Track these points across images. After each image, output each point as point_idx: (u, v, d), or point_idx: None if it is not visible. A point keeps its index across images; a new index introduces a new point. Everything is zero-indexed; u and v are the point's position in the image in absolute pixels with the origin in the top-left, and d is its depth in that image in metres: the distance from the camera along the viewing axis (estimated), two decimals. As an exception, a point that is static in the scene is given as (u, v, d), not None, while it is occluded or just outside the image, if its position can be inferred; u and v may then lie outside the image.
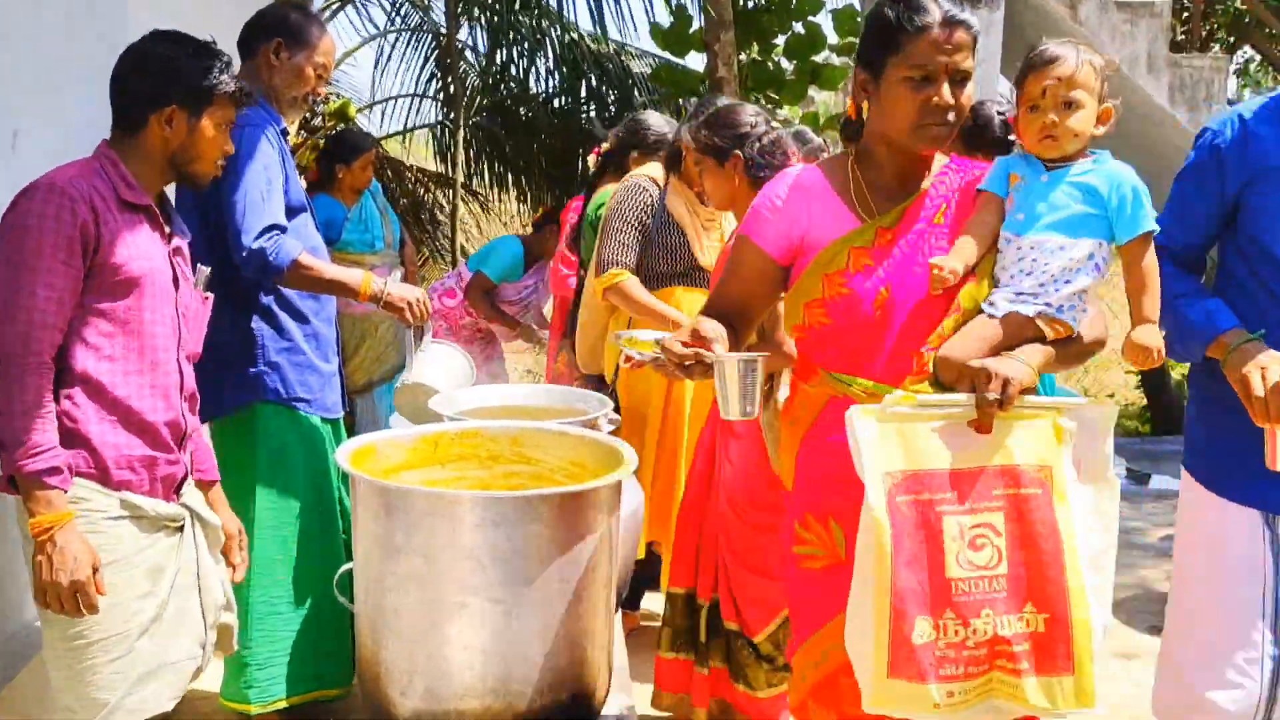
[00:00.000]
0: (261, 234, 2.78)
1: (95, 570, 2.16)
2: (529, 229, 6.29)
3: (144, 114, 2.33)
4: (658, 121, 4.55)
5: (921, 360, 2.13)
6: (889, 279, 2.14)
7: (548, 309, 5.66)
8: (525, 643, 2.11)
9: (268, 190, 2.84)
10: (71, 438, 2.21)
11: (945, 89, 2.08)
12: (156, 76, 2.33)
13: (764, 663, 3.15)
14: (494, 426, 2.59)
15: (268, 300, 2.96)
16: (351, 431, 4.94)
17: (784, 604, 3.12)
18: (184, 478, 2.44)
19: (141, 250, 2.29)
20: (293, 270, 2.82)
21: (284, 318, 2.98)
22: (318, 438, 3.04)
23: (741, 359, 2.03)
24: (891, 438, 2.00)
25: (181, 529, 2.37)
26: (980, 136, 3.99)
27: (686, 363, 2.05)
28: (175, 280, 2.39)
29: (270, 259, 2.78)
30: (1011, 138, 3.38)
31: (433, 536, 2.09)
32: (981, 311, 2.14)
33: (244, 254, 2.77)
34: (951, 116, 2.11)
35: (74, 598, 2.14)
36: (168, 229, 2.40)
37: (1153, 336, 2.13)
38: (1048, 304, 2.12)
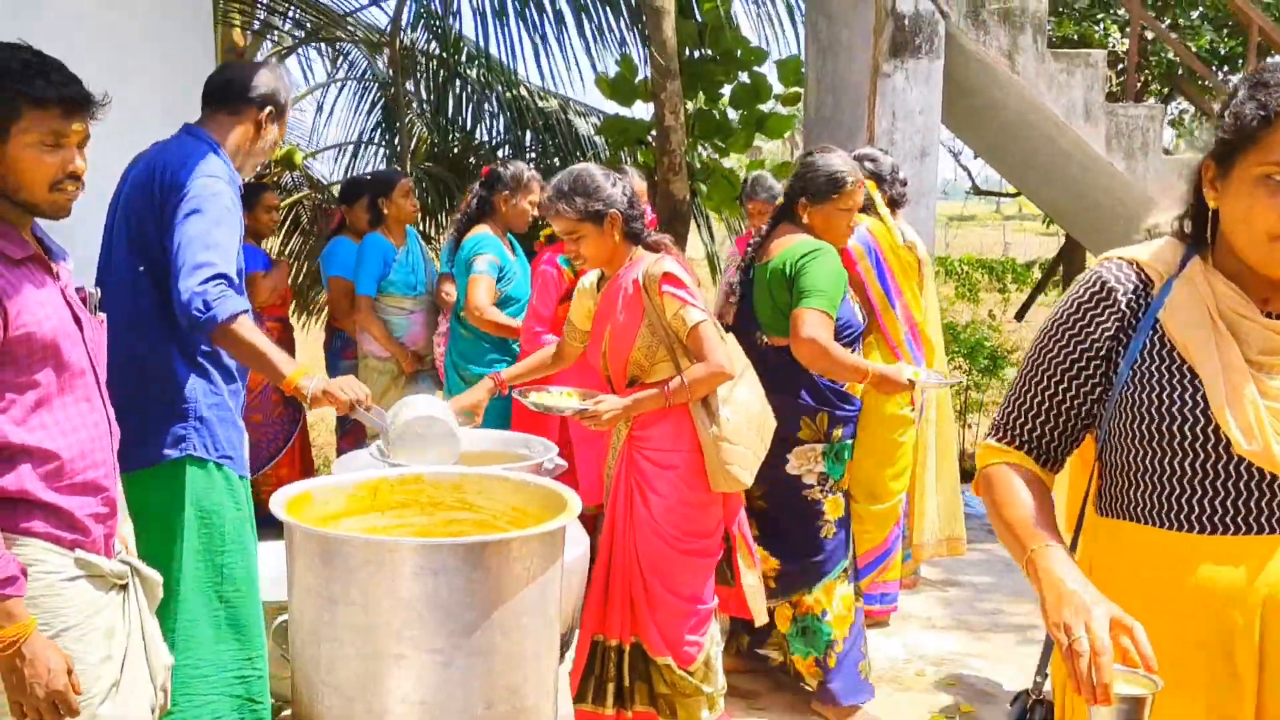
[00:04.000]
0: (209, 280, 2.57)
1: (70, 673, 2.02)
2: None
3: None
4: (838, 162, 3.67)
5: None
6: None
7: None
8: (466, 694, 2.05)
9: (223, 238, 2.66)
10: (29, 507, 2.04)
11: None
12: None
13: (701, 691, 3.15)
14: (435, 472, 2.54)
15: (203, 354, 2.81)
16: None
17: (709, 630, 3.17)
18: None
19: (44, 309, 2.06)
20: (229, 326, 2.58)
21: (215, 374, 2.83)
22: (240, 495, 2.93)
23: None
24: None
25: (125, 586, 2.22)
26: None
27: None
28: (76, 318, 2.14)
29: (212, 304, 2.56)
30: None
31: (371, 586, 2.04)
32: None
33: (183, 295, 2.56)
34: None
35: (54, 708, 2.01)
36: (54, 266, 2.13)
37: None
38: None
